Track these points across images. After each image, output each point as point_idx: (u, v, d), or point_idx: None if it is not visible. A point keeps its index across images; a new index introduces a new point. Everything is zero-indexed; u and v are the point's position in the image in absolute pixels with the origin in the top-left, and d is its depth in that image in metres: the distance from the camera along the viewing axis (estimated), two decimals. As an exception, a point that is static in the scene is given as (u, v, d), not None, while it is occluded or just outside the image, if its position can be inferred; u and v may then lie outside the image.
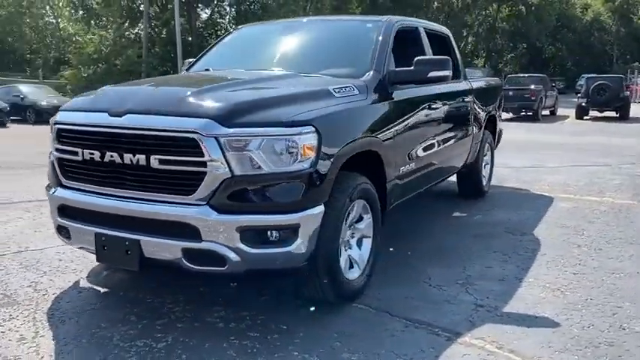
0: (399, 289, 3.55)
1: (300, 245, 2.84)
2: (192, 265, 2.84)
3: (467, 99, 5.37)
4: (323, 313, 3.18)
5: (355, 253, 3.42)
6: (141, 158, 2.81)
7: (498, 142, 7.00)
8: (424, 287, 3.60)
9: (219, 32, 34.28)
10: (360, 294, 3.37)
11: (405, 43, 4.38)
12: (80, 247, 3.34)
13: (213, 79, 3.82)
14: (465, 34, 47.57)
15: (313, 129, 2.85)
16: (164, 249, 2.85)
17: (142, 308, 3.24)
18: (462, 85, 5.39)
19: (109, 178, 2.96)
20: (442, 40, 5.38)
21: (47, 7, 42.03)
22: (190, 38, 33.42)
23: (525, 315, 3.18)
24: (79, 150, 3.03)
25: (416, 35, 4.61)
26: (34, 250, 4.32)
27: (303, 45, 4.44)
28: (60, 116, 3.22)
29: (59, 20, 42.15)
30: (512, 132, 11.91)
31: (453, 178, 6.10)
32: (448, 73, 3.94)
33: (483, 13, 49.04)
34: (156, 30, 33.56)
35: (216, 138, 2.69)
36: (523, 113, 19.58)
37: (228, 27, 34.92)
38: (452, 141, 4.99)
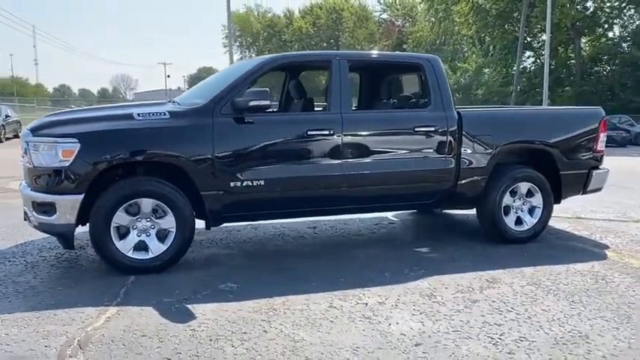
0: (176, 275, 4.32)
1: (58, 218, 4.21)
2: (28, 222, 4.56)
3: (427, 128, 5.03)
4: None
5: (152, 241, 4.42)
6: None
7: (586, 185, 5.68)
8: (184, 280, 4.25)
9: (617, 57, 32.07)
10: (150, 272, 4.33)
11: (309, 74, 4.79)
12: None
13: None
14: None
15: (75, 140, 4.17)
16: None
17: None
18: (420, 115, 5.19)
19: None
20: (412, 69, 5.50)
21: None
22: (575, 66, 33.01)
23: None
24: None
25: (328, 67, 4.98)
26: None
27: (219, 81, 5.29)
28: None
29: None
30: None
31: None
32: (265, 103, 4.41)
33: None
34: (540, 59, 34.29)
35: (27, 142, 4.36)
36: None
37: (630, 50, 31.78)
38: (368, 169, 4.95)
